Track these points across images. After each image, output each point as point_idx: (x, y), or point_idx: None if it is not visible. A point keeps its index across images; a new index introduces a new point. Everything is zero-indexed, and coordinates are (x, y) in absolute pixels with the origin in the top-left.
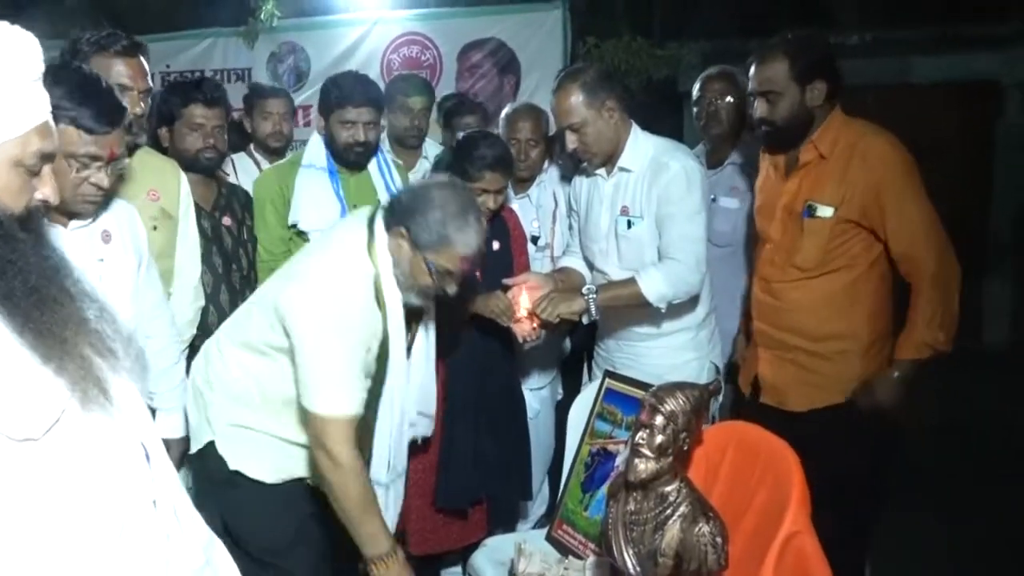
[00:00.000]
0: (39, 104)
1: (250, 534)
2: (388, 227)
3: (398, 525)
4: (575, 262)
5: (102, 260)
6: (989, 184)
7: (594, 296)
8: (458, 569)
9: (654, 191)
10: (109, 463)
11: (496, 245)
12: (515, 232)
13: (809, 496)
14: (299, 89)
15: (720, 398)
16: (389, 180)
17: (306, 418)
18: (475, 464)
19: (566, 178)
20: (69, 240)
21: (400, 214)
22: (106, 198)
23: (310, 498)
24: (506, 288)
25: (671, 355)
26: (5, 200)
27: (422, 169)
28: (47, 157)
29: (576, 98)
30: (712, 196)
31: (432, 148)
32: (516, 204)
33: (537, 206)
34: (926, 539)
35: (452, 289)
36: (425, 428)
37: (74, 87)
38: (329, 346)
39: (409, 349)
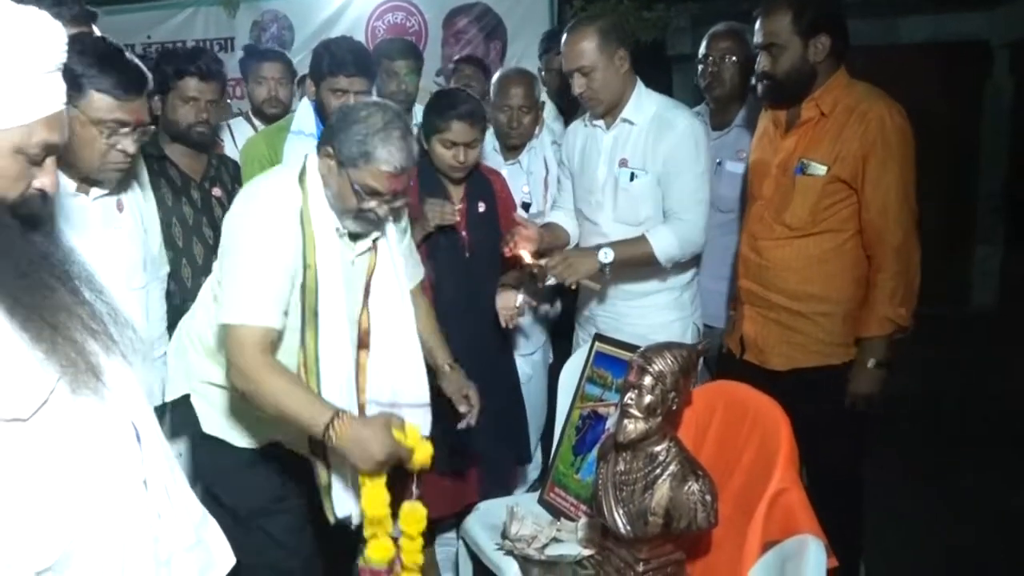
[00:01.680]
0: (52, 95)
1: (229, 497)
2: (319, 149)
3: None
4: (560, 217)
5: (119, 228)
6: (977, 146)
7: (609, 261)
8: (452, 535)
9: (660, 148)
10: (98, 444)
11: (482, 207)
12: (502, 194)
13: (796, 453)
14: None
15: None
16: None
17: None
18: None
19: (557, 143)
20: (91, 209)
21: (328, 133)
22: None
23: (288, 461)
24: (506, 260)
25: (655, 315)
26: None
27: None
28: (51, 148)
29: (590, 42)
30: (718, 160)
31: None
32: (506, 170)
33: (528, 172)
34: (911, 503)
35: (383, 211)
36: (422, 420)
37: (99, 56)
38: (242, 259)
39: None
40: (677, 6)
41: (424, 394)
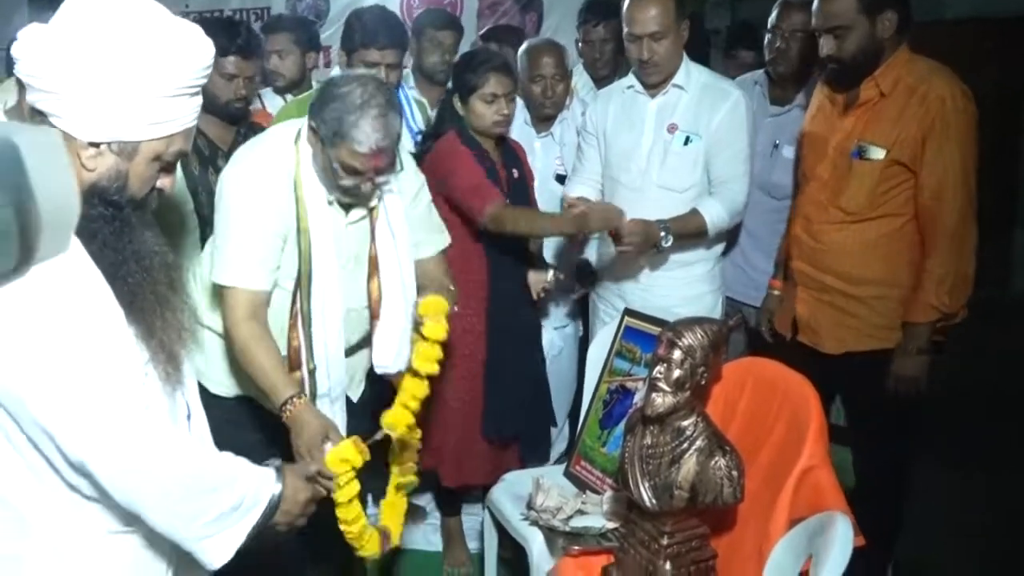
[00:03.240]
0: (191, 110)
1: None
2: (309, 121)
3: (427, 461)
4: (587, 192)
5: None
6: (1020, 129)
7: (668, 245)
8: (478, 505)
9: (714, 116)
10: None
11: (515, 173)
12: (526, 165)
13: (827, 430)
14: (320, 28)
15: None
16: (410, 119)
17: None
18: (517, 392)
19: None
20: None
21: (313, 106)
22: None
23: (263, 418)
24: None
25: (687, 287)
26: (135, 187)
27: None
28: (183, 155)
29: (666, 8)
30: (775, 141)
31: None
32: (539, 143)
33: (561, 144)
34: (945, 489)
35: (367, 189)
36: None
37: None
38: (232, 218)
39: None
40: None
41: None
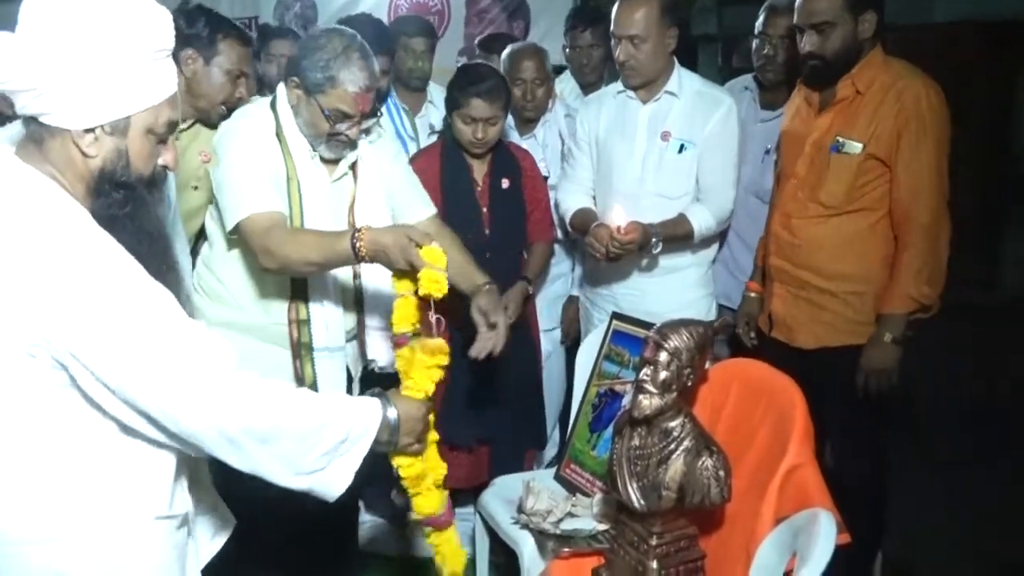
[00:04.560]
0: (170, 76)
1: None
2: (285, 80)
3: None
4: (582, 200)
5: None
6: (1010, 129)
7: (658, 252)
8: (470, 510)
9: (708, 122)
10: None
11: (505, 183)
12: (530, 172)
13: (812, 430)
14: None
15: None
16: (400, 126)
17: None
18: (475, 402)
19: (571, 116)
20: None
21: (291, 64)
22: None
23: None
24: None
25: (681, 292)
26: (138, 165)
27: (428, 114)
28: (173, 126)
29: (649, 12)
30: (766, 147)
31: (437, 92)
32: (523, 145)
33: (544, 146)
34: (933, 490)
35: (354, 133)
36: None
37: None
38: (231, 163)
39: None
40: None
41: None
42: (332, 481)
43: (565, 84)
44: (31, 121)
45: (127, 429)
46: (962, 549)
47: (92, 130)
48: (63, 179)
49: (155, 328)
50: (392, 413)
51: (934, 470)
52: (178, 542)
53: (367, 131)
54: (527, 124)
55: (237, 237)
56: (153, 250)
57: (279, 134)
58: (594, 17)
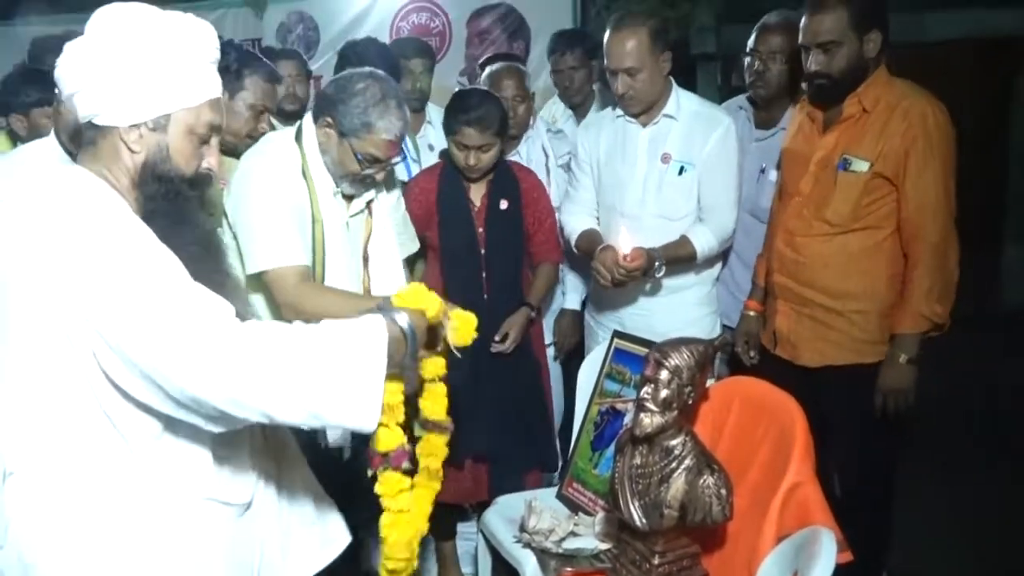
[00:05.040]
0: (213, 81)
1: None
2: (315, 119)
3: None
4: (587, 222)
5: None
6: (1007, 145)
7: (662, 275)
8: (472, 529)
9: (707, 142)
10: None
11: (504, 204)
12: (532, 193)
13: (813, 448)
14: (309, 58)
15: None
16: (403, 145)
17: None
18: (473, 419)
19: (552, 131)
20: None
21: (325, 105)
22: None
23: None
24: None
25: (685, 311)
26: (179, 163)
27: (427, 134)
28: (215, 129)
29: (640, 43)
30: (762, 166)
31: (435, 112)
32: None
33: (528, 161)
34: (937, 504)
35: (380, 176)
36: None
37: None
38: (255, 207)
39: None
40: (701, 4)
41: None
42: (357, 412)
43: (557, 106)
44: (88, 126)
45: (146, 408)
46: (964, 558)
47: (137, 127)
48: (110, 175)
49: (158, 291)
50: (405, 321)
51: (935, 480)
52: (233, 532)
53: (390, 177)
54: (510, 141)
55: (255, 277)
56: (197, 243)
57: (305, 171)
58: (573, 40)
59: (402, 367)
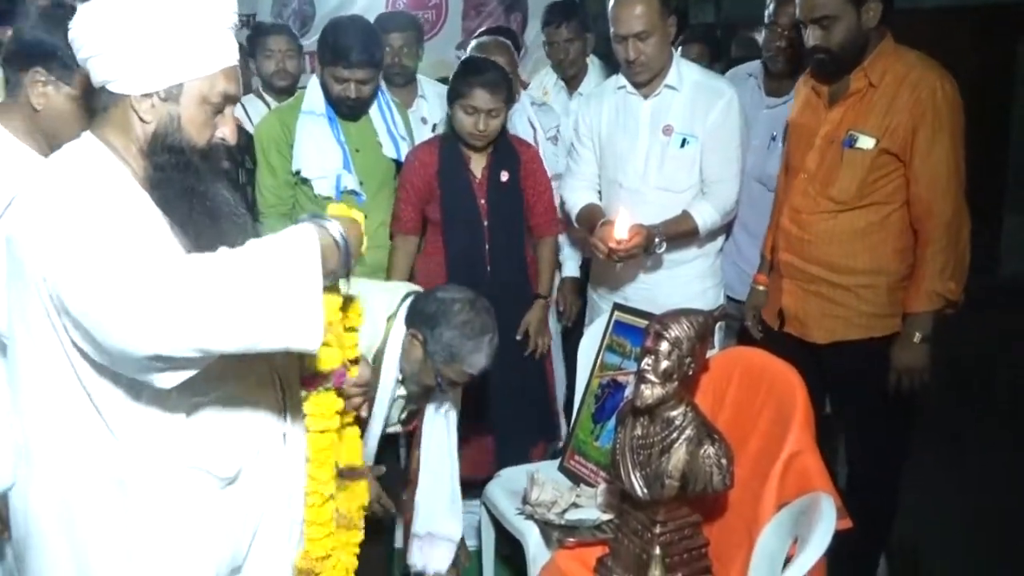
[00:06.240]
0: (229, 49)
1: None
2: (408, 324)
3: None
4: (589, 196)
5: None
6: (1007, 115)
7: (663, 251)
8: (475, 503)
9: (710, 114)
10: (247, 383)
11: (504, 176)
12: (530, 165)
13: (812, 416)
14: (305, 34)
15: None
16: (391, 123)
17: None
18: (479, 395)
19: (536, 104)
20: None
21: (421, 320)
22: None
23: None
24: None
25: (689, 284)
26: (191, 132)
27: (420, 108)
28: (230, 99)
29: (651, 5)
30: (772, 134)
31: (428, 85)
32: None
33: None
34: (937, 472)
35: (454, 393)
36: (447, 555)
37: None
38: None
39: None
40: None
41: (456, 532)
42: (297, 328)
43: (548, 78)
44: (102, 92)
45: (110, 373)
46: (965, 528)
47: (149, 96)
48: (116, 142)
49: (105, 248)
50: (336, 229)
51: (940, 454)
52: (219, 502)
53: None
54: None
55: None
56: (207, 215)
57: (379, 353)
58: (567, 11)
59: (336, 276)
